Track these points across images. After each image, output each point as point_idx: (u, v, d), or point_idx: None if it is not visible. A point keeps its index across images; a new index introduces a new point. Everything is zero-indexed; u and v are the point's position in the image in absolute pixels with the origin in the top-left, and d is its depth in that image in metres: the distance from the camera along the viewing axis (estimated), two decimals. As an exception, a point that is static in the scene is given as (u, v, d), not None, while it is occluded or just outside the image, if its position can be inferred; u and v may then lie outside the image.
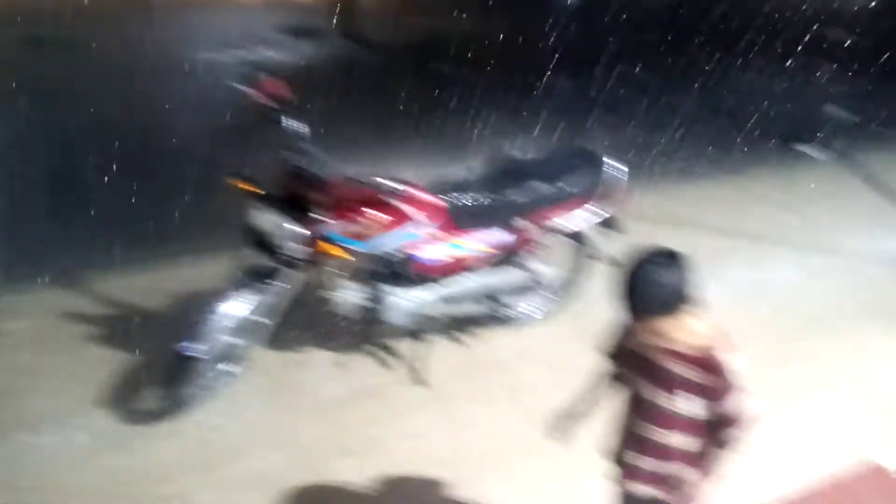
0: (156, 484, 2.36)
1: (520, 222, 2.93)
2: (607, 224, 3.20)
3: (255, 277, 2.62)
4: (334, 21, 10.86)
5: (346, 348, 3.09)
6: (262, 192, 2.57)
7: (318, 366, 3.00)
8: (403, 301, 2.84)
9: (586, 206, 3.08)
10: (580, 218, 3.10)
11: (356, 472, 2.44)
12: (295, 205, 2.52)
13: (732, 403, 1.49)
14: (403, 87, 7.48)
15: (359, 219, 2.58)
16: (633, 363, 1.61)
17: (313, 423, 2.68)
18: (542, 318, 3.35)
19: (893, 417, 2.80)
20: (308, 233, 2.52)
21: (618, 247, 3.30)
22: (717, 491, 1.60)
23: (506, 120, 6.58)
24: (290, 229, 2.48)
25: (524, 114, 6.82)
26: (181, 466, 2.44)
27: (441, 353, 3.10)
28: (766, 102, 7.17)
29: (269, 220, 2.53)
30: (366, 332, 3.11)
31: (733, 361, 1.50)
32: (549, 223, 3.03)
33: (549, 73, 8.43)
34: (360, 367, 3.01)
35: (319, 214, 2.53)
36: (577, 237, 3.20)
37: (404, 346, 3.11)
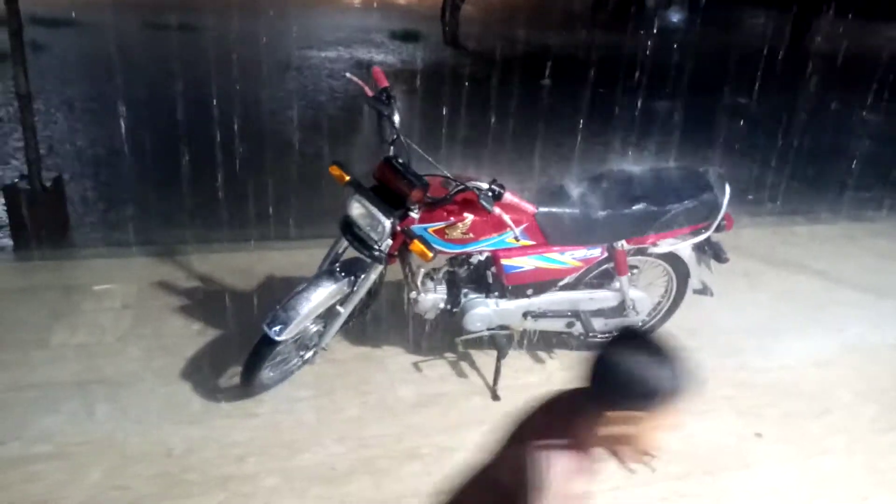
0: (225, 463, 2.38)
1: (619, 243, 2.78)
2: (710, 253, 2.99)
3: (344, 268, 2.61)
4: (442, 29, 11.01)
5: (423, 351, 3.04)
6: (359, 183, 2.56)
7: (392, 365, 2.96)
8: (485, 309, 2.76)
9: (692, 232, 2.89)
10: (683, 244, 2.91)
11: (420, 479, 2.37)
12: (389, 199, 2.49)
13: None
14: (505, 97, 7.43)
15: (450, 219, 2.52)
16: None
17: (381, 422, 2.63)
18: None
19: None
20: (398, 228, 2.49)
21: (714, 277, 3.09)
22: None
23: (609, 136, 6.39)
24: (381, 223, 2.46)
25: (627, 131, 6.61)
26: (251, 448, 2.46)
27: (518, 368, 2.99)
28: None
29: (363, 212, 2.52)
30: (444, 337, 3.05)
31: None
32: (650, 247, 2.86)
33: (660, 92, 8.15)
34: (435, 372, 2.95)
35: (412, 211, 2.50)
36: (676, 263, 3.01)
37: (482, 356, 3.03)
